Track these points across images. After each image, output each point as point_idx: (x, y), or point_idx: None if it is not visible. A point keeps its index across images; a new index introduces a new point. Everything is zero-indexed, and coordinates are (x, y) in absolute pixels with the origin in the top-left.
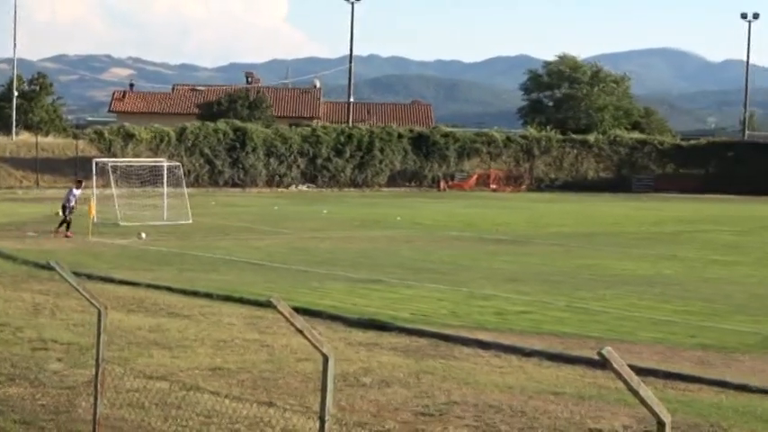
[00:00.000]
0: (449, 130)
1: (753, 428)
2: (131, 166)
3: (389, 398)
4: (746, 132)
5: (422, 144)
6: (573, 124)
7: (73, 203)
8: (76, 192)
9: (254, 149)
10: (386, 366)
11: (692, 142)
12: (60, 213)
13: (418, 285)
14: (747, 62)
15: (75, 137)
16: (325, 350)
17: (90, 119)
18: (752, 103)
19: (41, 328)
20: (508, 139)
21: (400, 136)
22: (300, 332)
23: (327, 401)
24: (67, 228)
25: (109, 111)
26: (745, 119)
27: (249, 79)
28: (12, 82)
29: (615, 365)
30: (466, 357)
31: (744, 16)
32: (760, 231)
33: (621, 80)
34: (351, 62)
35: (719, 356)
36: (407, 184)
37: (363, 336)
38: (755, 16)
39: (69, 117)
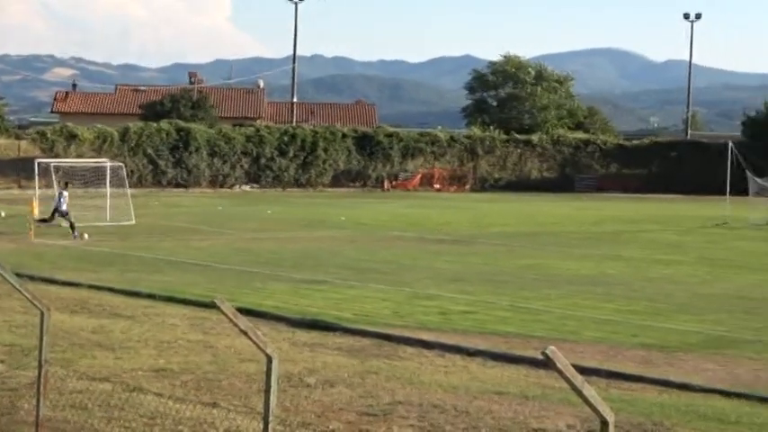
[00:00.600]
0: (393, 129)
1: (695, 427)
2: (74, 166)
3: (333, 398)
4: (689, 132)
5: (366, 144)
6: (517, 124)
7: (64, 206)
8: (65, 193)
9: (197, 149)
10: (330, 367)
11: (635, 142)
12: (36, 216)
13: (362, 286)
14: (690, 62)
15: (18, 137)
16: (269, 351)
17: (32, 119)
18: (694, 103)
19: None
20: (452, 138)
21: (344, 136)
22: (244, 333)
23: (271, 402)
24: (72, 230)
25: (51, 111)
26: (687, 118)
27: (192, 79)
28: None
29: (559, 365)
30: (410, 357)
31: (686, 16)
32: (702, 231)
33: (565, 80)
34: (294, 62)
35: (662, 355)
36: (351, 183)
37: (307, 336)
38: (698, 16)
39: (11, 117)
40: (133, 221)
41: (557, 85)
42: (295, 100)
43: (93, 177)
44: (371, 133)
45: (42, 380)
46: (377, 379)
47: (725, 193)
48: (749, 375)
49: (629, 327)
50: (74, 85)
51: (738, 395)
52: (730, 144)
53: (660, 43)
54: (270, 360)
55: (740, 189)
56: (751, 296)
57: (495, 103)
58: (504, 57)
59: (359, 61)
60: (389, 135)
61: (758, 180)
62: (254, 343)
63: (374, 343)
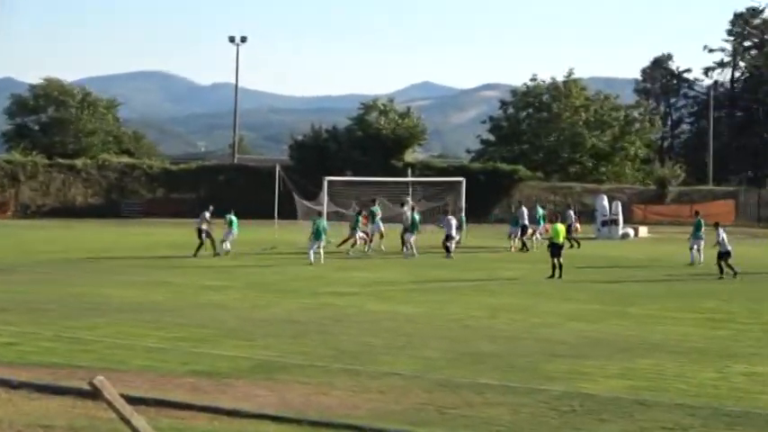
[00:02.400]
0: None
1: None
2: None
3: None
4: (236, 156)
5: None
6: (62, 149)
7: None
8: None
9: None
10: None
11: (183, 166)
12: None
13: None
14: (236, 85)
15: None
16: None
17: None
18: (242, 127)
19: None
20: None
21: None
22: None
23: None
24: None
25: None
26: (234, 142)
27: None
28: None
29: (107, 395)
30: None
31: (232, 40)
32: (251, 256)
33: (111, 104)
34: None
35: (212, 382)
36: None
37: None
38: (243, 40)
39: None
40: None
41: (104, 110)
42: None
43: None
44: None
45: None
46: None
47: (274, 217)
48: (300, 400)
49: (178, 354)
50: None
51: (289, 420)
52: (278, 167)
53: (206, 66)
54: None
55: (289, 212)
56: (299, 320)
57: (37, 128)
58: (46, 80)
59: None
60: None
61: (306, 203)
62: None
63: None
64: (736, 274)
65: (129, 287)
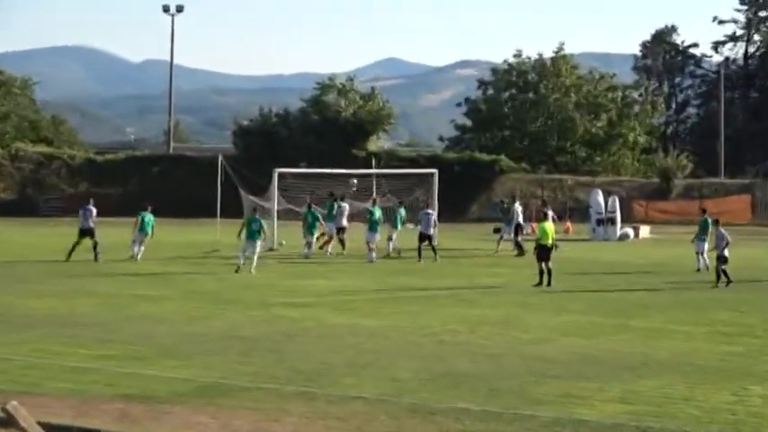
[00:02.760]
0: None
1: None
2: None
3: None
4: (172, 144)
5: None
6: None
7: None
8: None
9: None
10: None
11: (110, 156)
12: None
13: None
14: (171, 63)
15: None
16: None
17: None
18: (178, 110)
19: None
20: None
21: None
22: None
23: None
24: None
25: None
26: (169, 128)
27: None
28: None
29: (22, 422)
30: None
31: (166, 9)
32: (190, 260)
33: (26, 84)
34: None
35: (145, 408)
36: None
37: None
38: (179, 9)
39: None
40: None
41: (18, 91)
42: None
43: None
44: None
45: None
46: None
47: (216, 215)
48: (248, 428)
49: (105, 375)
50: None
51: None
52: (220, 157)
53: (136, 40)
54: None
55: (234, 209)
56: (246, 335)
57: None
58: None
59: None
60: None
61: (253, 198)
62: None
63: None
64: (718, 283)
65: (49, 297)
